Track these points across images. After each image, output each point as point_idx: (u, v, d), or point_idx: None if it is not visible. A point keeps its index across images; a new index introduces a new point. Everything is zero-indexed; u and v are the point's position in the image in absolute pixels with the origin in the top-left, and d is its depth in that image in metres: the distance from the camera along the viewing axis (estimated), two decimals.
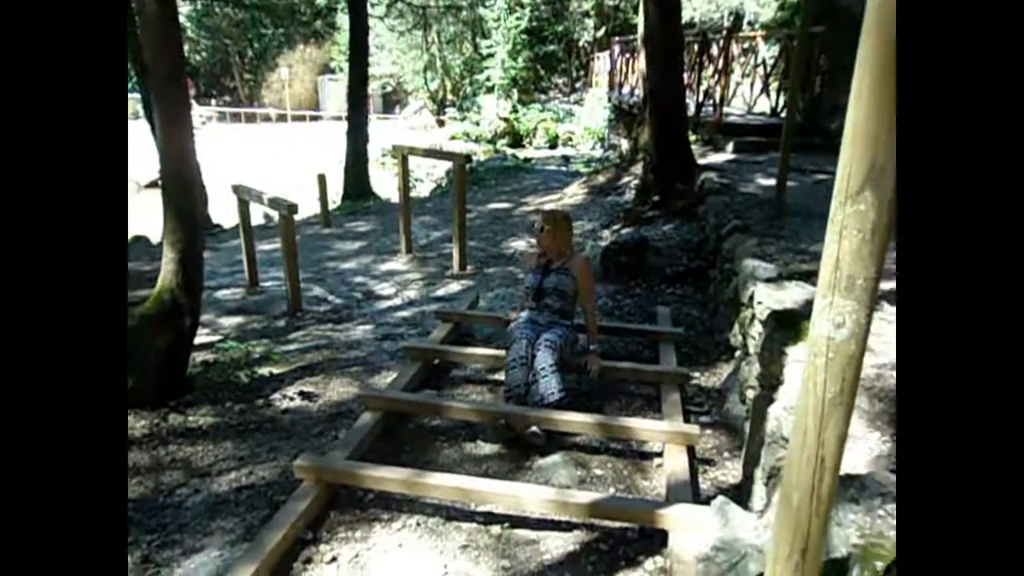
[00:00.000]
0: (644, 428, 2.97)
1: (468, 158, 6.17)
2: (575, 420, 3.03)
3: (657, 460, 3.04)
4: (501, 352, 3.75)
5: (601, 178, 9.38)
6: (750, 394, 2.93)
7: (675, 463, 2.81)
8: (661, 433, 2.95)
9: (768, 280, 3.51)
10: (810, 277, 3.41)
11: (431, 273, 6.33)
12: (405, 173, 6.80)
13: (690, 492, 2.62)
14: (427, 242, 7.45)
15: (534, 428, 3.01)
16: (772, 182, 6.57)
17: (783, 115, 10.36)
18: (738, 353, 3.76)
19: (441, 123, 26.52)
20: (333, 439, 3.24)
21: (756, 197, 5.91)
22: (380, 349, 4.43)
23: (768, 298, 2.92)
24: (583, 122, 21.88)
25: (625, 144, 16.01)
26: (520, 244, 7.20)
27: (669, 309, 4.78)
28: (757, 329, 3.03)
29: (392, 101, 34.20)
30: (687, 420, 3.28)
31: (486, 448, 3.15)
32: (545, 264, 3.82)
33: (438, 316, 4.49)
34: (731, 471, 2.96)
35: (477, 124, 24.03)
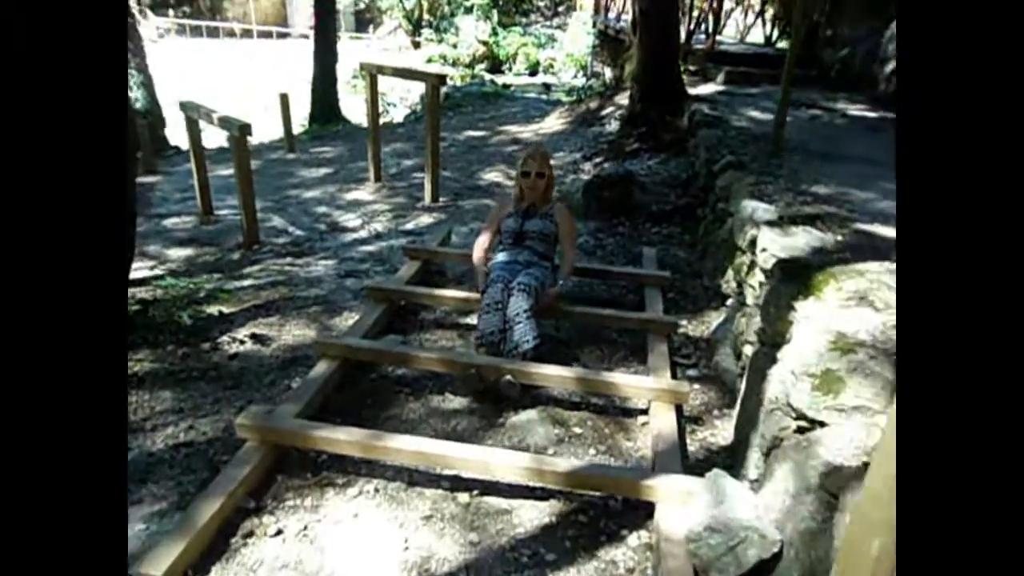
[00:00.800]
0: (629, 384, 2.71)
1: (442, 79, 5.63)
2: (553, 373, 2.74)
3: (642, 418, 2.79)
4: (474, 294, 3.42)
5: (584, 107, 8.86)
6: (748, 350, 2.66)
7: (662, 423, 2.56)
8: (647, 390, 2.69)
9: (770, 223, 3.20)
10: (815, 221, 3.11)
11: (401, 204, 5.90)
12: (374, 95, 6.23)
13: (679, 457, 2.38)
14: (398, 171, 6.97)
15: (508, 377, 2.72)
16: (767, 116, 6.19)
17: (778, 45, 9.86)
18: (731, 301, 3.49)
19: (417, 44, 25.15)
20: (286, 390, 2.92)
21: (750, 132, 5.53)
22: (342, 287, 4.06)
23: (773, 244, 2.61)
24: (565, 48, 20.86)
25: (609, 72, 15.30)
26: (497, 176, 6.76)
27: (655, 250, 4.47)
28: (758, 278, 2.74)
29: (365, 20, 32.32)
30: (674, 375, 3.03)
31: (455, 402, 2.87)
32: (526, 209, 3.47)
33: (406, 252, 4.11)
34: (721, 431, 2.73)
35: (455, 47, 22.82)
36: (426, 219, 5.49)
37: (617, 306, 3.84)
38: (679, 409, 2.74)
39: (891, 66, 7.60)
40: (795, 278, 2.35)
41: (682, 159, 5.94)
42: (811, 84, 8.12)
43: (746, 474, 2.28)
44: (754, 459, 2.26)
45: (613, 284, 4.03)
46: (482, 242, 3.53)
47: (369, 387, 2.95)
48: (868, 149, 5.00)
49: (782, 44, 9.86)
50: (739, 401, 2.64)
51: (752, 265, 2.95)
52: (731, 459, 2.51)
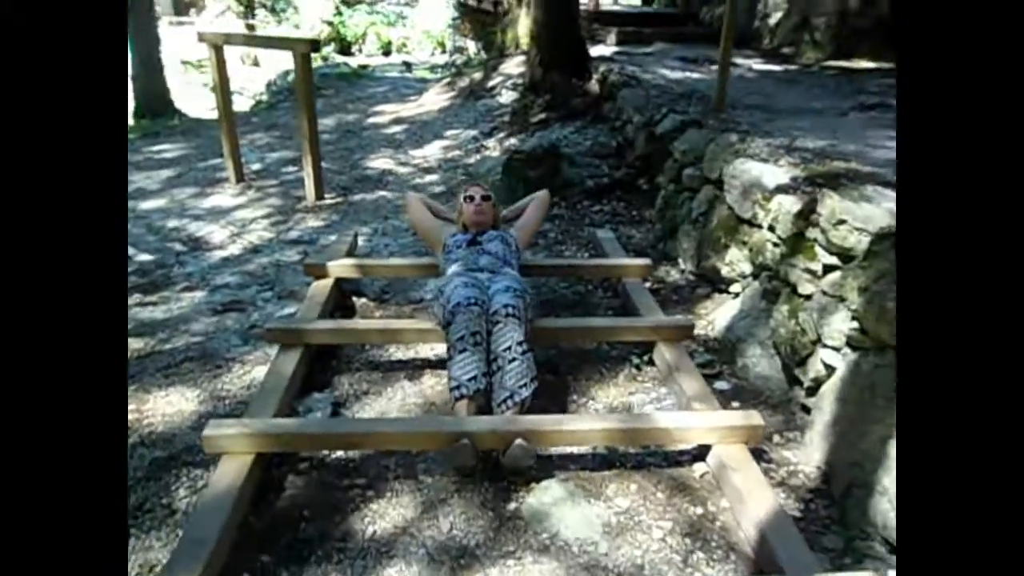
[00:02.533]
0: (687, 427, 1.95)
1: (314, 44, 4.50)
2: (584, 428, 1.93)
3: (699, 467, 2.05)
4: (424, 325, 2.49)
5: (465, 80, 7.96)
6: (828, 356, 2.00)
7: (741, 475, 1.84)
8: (709, 431, 1.95)
9: (780, 189, 2.57)
10: (838, 179, 2.52)
11: (276, 207, 4.72)
12: (223, 74, 4.93)
13: (796, 532, 1.67)
14: (263, 167, 5.70)
15: (520, 442, 1.85)
16: (680, 74, 5.71)
17: (654, 5, 9.57)
18: (738, 289, 2.85)
19: (251, 28, 22.68)
20: (165, 522, 1.85)
21: (672, 90, 4.98)
22: (223, 328, 2.95)
23: (851, 215, 1.95)
24: (419, 25, 19.75)
25: (472, 46, 14.49)
26: (386, 163, 5.73)
27: (612, 233, 3.76)
28: (824, 261, 2.08)
29: (183, 3, 28.79)
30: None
31: (437, 491, 1.95)
32: (476, 234, 2.75)
33: (307, 270, 3.06)
34: (798, 467, 2.07)
35: (297, 27, 20.86)
36: (313, 222, 4.39)
37: (591, 309, 3.09)
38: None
39: (774, 19, 7.50)
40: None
41: (602, 125, 5.28)
42: (695, 40, 7.86)
43: (878, 534, 1.62)
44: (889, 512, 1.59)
45: (586, 281, 3.28)
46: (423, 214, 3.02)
47: (303, 492, 1.95)
48: (801, 100, 4.63)
49: (656, 4, 9.60)
50: (823, 425, 1.97)
51: (783, 242, 2.30)
52: (837, 511, 1.85)
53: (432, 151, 5.97)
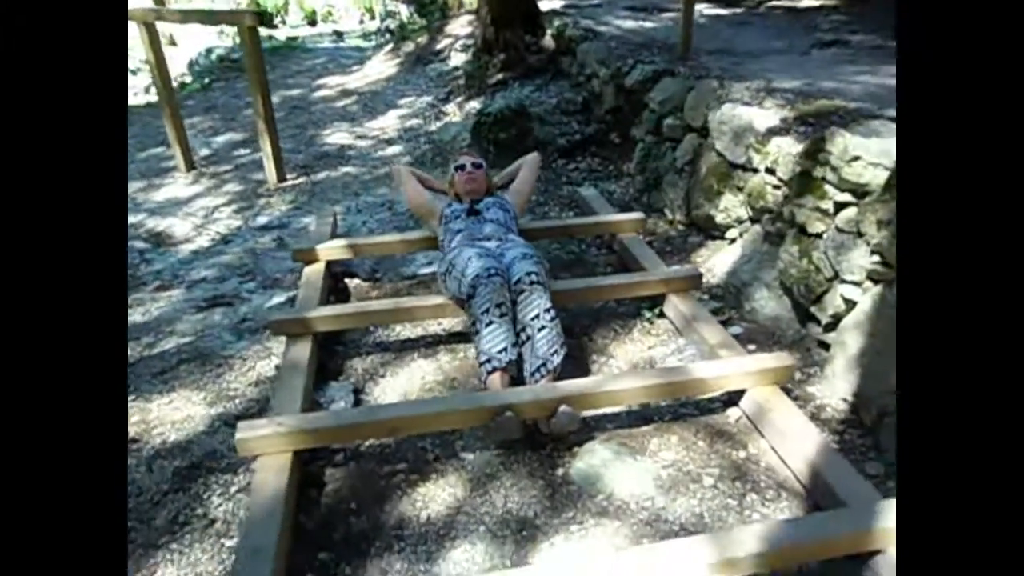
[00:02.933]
0: (722, 375, 1.97)
1: (263, 16, 4.22)
2: (627, 387, 1.91)
3: (732, 412, 2.08)
4: (435, 300, 2.43)
5: (410, 45, 7.68)
6: (848, 291, 2.04)
7: (780, 416, 1.88)
8: (745, 375, 1.98)
9: (773, 131, 2.59)
10: (830, 118, 2.55)
11: (237, 193, 4.49)
12: (158, 54, 4.59)
13: (847, 463, 1.72)
14: (211, 152, 5.39)
15: (565, 408, 1.84)
16: (634, 24, 5.65)
17: None
18: (736, 234, 2.87)
19: (161, 2, 21.22)
20: (203, 522, 1.76)
21: (632, 41, 4.92)
22: (212, 324, 2.80)
23: (865, 150, 1.97)
24: None
25: (405, 10, 13.99)
26: (343, 137, 5.50)
27: (594, 189, 3.73)
28: (836, 199, 2.11)
29: None
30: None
31: (481, 465, 1.93)
32: (472, 202, 2.69)
33: (296, 256, 2.92)
34: (825, 401, 2.13)
35: (213, 1, 19.63)
36: (280, 205, 4.19)
37: (590, 268, 3.08)
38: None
39: None
40: None
41: (564, 81, 5.19)
42: None
43: None
44: None
45: (580, 240, 3.25)
46: (416, 186, 2.91)
47: (346, 484, 1.89)
48: (759, 42, 4.65)
49: None
50: (847, 358, 2.03)
51: (786, 184, 2.32)
52: (872, 439, 1.92)
53: (389, 121, 5.77)
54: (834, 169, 2.07)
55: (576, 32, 5.22)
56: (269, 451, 1.76)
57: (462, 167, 2.75)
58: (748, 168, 2.69)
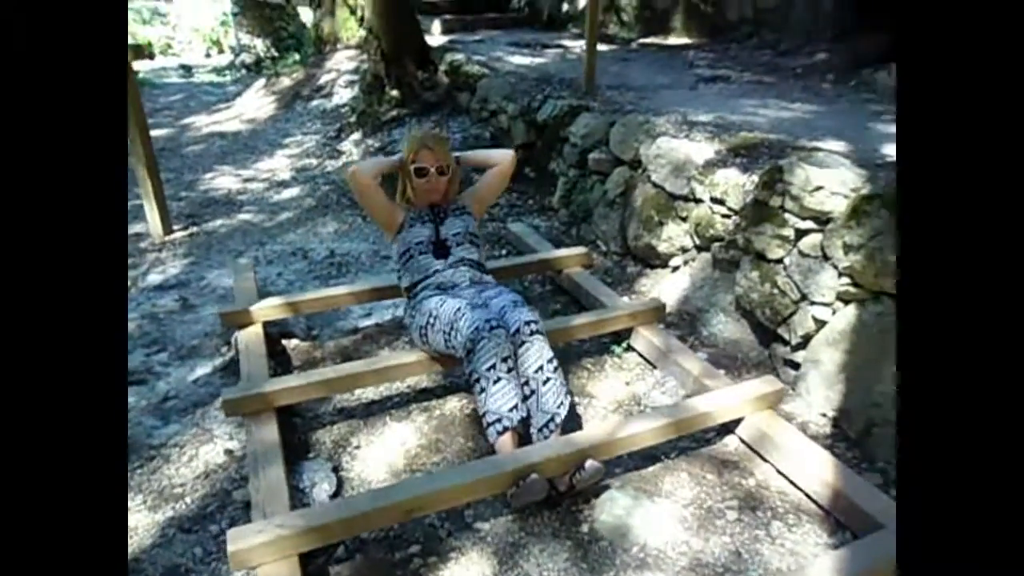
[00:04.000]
0: (722, 406, 1.99)
1: (138, 49, 3.77)
2: (641, 430, 1.87)
3: (731, 441, 2.12)
4: (409, 357, 2.25)
5: (285, 81, 7.28)
6: (818, 311, 2.16)
7: (785, 439, 1.93)
8: (744, 404, 2.02)
9: (712, 164, 2.73)
10: (758, 148, 2.74)
11: None
12: None
13: (862, 480, 1.80)
14: None
15: (592, 462, 1.76)
16: (523, 60, 5.78)
17: None
18: (679, 262, 2.97)
19: None
20: None
21: (528, 76, 5.03)
22: (128, 410, 2.40)
23: (827, 181, 2.12)
24: (184, 22, 17.66)
25: (260, 44, 13.36)
26: (228, 181, 5.05)
27: (523, 225, 3.71)
28: (796, 226, 2.23)
29: None
30: None
31: (503, 536, 1.78)
32: (432, 209, 2.43)
33: (227, 321, 2.59)
34: (802, 418, 2.23)
35: None
36: (174, 261, 3.73)
37: (544, 305, 3.03)
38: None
39: (583, 2, 7.91)
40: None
41: (462, 117, 5.16)
42: (516, 26, 8.04)
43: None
44: None
45: (529, 279, 3.20)
46: (371, 165, 2.51)
47: (350, 568, 1.66)
48: (646, 77, 4.94)
49: None
50: (823, 375, 2.14)
51: (736, 214, 2.44)
52: (860, 452, 2.03)
53: (278, 162, 5.39)
54: (795, 199, 2.20)
55: (473, 68, 5.23)
56: (270, 559, 1.50)
57: (424, 172, 2.35)
58: (691, 199, 2.80)
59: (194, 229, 4.16)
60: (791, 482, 1.92)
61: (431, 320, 2.10)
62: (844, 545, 1.63)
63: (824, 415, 2.17)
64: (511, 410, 1.86)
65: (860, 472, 1.97)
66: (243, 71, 11.84)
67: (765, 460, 2.01)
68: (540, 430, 1.90)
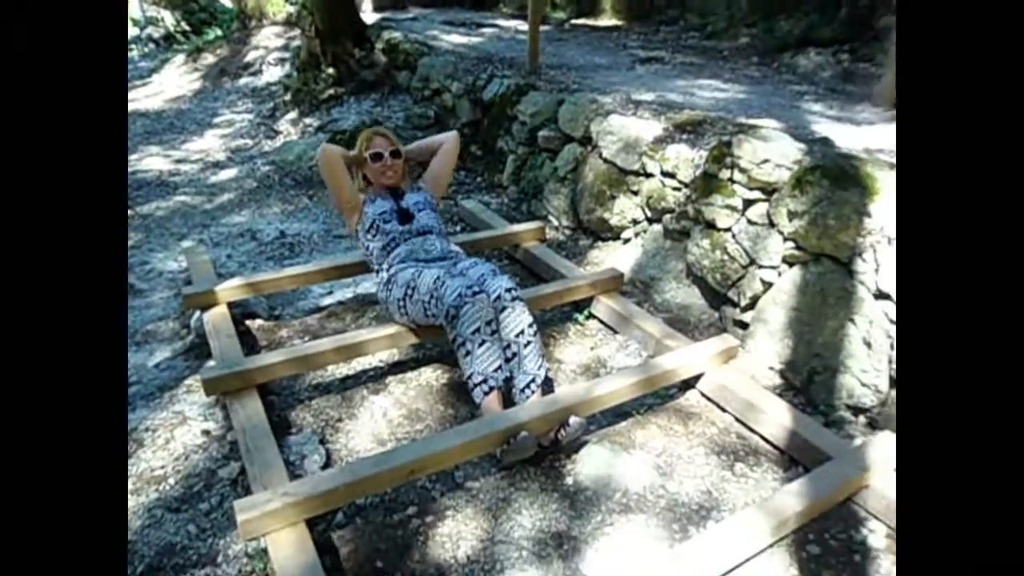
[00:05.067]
0: (684, 364, 2.17)
1: None
2: (614, 387, 2.02)
3: (692, 395, 2.30)
4: (388, 330, 2.30)
5: (210, 56, 6.94)
6: (766, 274, 2.37)
7: (744, 390, 2.13)
8: (704, 360, 2.20)
9: (661, 140, 2.90)
10: (701, 124, 2.93)
11: None
12: None
13: (812, 420, 2.02)
14: None
15: (575, 417, 1.89)
16: (459, 39, 5.79)
17: None
18: (631, 234, 3.13)
19: None
20: None
21: (468, 55, 5.06)
22: None
23: (769, 153, 2.31)
24: None
25: (170, 17, 12.62)
26: (159, 162, 4.83)
27: (474, 201, 3.78)
28: (744, 196, 2.43)
29: None
30: None
31: (488, 491, 1.89)
32: (391, 191, 2.55)
33: (189, 303, 2.54)
34: (752, 372, 2.44)
35: None
36: None
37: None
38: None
39: None
40: (846, 182, 2.11)
41: (402, 96, 5.14)
42: (448, 5, 7.99)
43: (865, 405, 2.06)
44: (868, 386, 2.04)
45: (489, 254, 3.27)
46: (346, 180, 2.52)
47: (360, 543, 1.72)
48: (585, 57, 5.08)
49: None
50: (769, 332, 2.36)
51: (686, 186, 2.62)
52: (804, 397, 2.26)
53: (210, 143, 5.19)
54: (743, 171, 2.39)
55: (411, 47, 5.20)
56: (278, 526, 1.54)
57: (379, 156, 2.50)
58: (642, 174, 2.96)
59: (129, 213, 3.97)
60: (749, 428, 2.12)
61: (409, 292, 2.16)
62: (800, 477, 1.83)
63: (771, 368, 2.39)
64: (496, 371, 1.96)
65: (807, 414, 2.20)
66: (151, 45, 11.14)
67: (724, 410, 2.20)
68: (522, 390, 2.01)
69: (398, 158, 2.55)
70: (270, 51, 6.46)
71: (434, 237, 2.39)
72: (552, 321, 2.79)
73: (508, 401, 2.03)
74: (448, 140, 2.75)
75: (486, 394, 1.95)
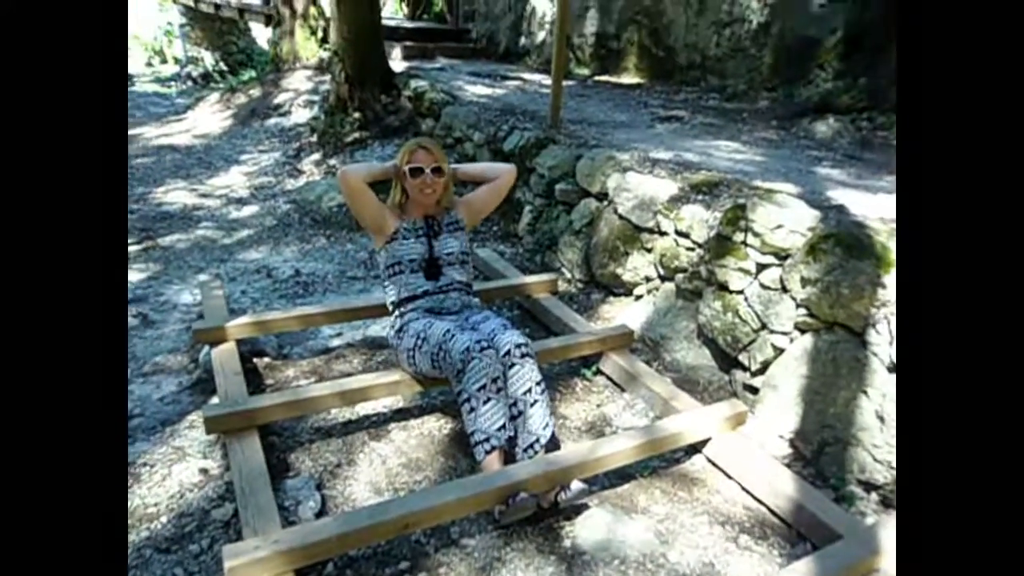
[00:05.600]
0: (690, 428, 2.13)
1: None
2: (616, 450, 1.97)
3: (697, 460, 2.24)
4: (391, 377, 2.28)
5: (242, 97, 7.19)
6: (777, 340, 2.34)
7: (749, 459, 2.08)
8: (710, 425, 2.16)
9: (677, 199, 2.92)
10: (718, 186, 2.95)
11: None
12: None
13: (821, 495, 1.95)
14: None
15: (578, 483, 1.85)
16: (484, 90, 5.95)
17: (425, 18, 9.70)
18: (643, 291, 3.13)
19: None
20: None
21: (491, 107, 5.19)
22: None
23: (781, 219, 2.31)
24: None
25: (209, 57, 13.13)
26: (183, 196, 4.94)
27: (488, 250, 3.81)
28: (756, 260, 2.42)
29: None
30: None
31: (483, 550, 1.84)
32: (427, 222, 2.42)
33: (199, 338, 2.55)
34: (763, 437, 2.39)
35: None
36: (129, 276, 3.63)
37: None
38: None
39: (539, 38, 8.19)
40: (860, 251, 2.10)
41: None
42: (475, 56, 8.24)
43: (873, 481, 1.99)
44: (881, 461, 1.98)
45: (500, 304, 3.28)
46: (362, 170, 2.40)
47: None
48: (606, 113, 5.18)
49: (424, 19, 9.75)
50: (780, 399, 2.32)
51: (720, 247, 2.61)
52: (814, 469, 2.20)
53: (234, 179, 5.32)
54: (757, 235, 2.39)
55: (437, 95, 5.34)
56: (266, 575, 1.50)
57: (419, 171, 2.29)
58: (656, 231, 2.97)
59: (149, 244, 4.05)
60: (755, 498, 2.06)
61: (419, 343, 2.15)
62: (807, 555, 1.77)
63: (781, 436, 2.33)
64: (499, 430, 1.93)
65: (816, 487, 2.13)
66: (189, 83, 11.58)
67: (730, 477, 2.14)
68: (525, 450, 1.97)
69: (440, 175, 2.34)
70: (300, 94, 6.68)
71: (456, 294, 2.35)
72: (559, 375, 2.76)
73: (510, 460, 1.99)
74: (503, 175, 2.57)
75: (487, 453, 1.92)
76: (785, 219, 2.32)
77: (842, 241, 2.14)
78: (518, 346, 2.04)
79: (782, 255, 2.34)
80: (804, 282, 2.22)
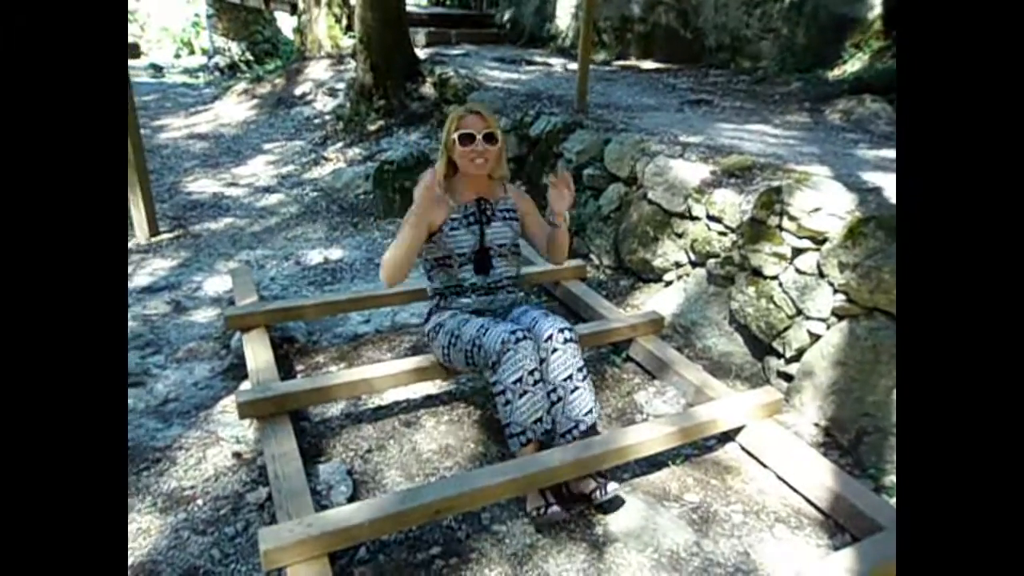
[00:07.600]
0: (725, 416, 2.09)
1: (137, 48, 3.69)
2: (651, 436, 1.94)
3: (730, 449, 2.21)
4: (423, 363, 2.28)
5: (267, 86, 7.23)
6: (813, 326, 2.28)
7: (785, 447, 2.04)
8: (744, 413, 2.12)
9: (709, 184, 2.86)
10: (751, 169, 2.88)
11: None
12: None
13: (860, 485, 1.91)
14: None
15: (614, 485, 1.85)
16: (509, 75, 5.89)
17: (448, 4, 9.64)
18: (673, 277, 3.08)
19: None
20: None
21: (517, 92, 5.14)
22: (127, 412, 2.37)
23: (825, 203, 2.25)
24: (153, 22, 17.31)
25: (236, 47, 13.21)
26: (210, 184, 5.00)
27: None
28: (792, 244, 2.36)
29: None
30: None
31: (514, 536, 1.83)
32: (479, 206, 2.20)
33: (231, 324, 2.58)
34: (797, 428, 2.34)
35: None
36: (162, 263, 3.68)
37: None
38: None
39: (563, 22, 8.08)
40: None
41: None
42: (498, 42, 8.17)
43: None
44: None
45: (528, 291, 3.25)
46: (400, 259, 2.00)
47: (373, 570, 1.68)
48: (633, 97, 5.10)
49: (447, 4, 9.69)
50: (816, 387, 2.26)
51: (730, 231, 2.56)
52: (852, 459, 2.14)
53: (260, 167, 5.36)
54: (793, 219, 2.32)
55: (461, 82, 5.31)
56: (300, 558, 1.51)
57: (469, 137, 2.03)
58: (688, 216, 2.91)
59: (179, 232, 4.10)
60: (791, 487, 2.01)
61: (452, 340, 2.10)
62: (846, 547, 1.72)
63: (817, 424, 2.28)
64: (536, 422, 1.90)
65: (854, 477, 2.08)
66: (216, 73, 11.67)
67: (765, 466, 2.10)
68: (563, 435, 1.94)
69: (493, 143, 2.08)
70: (324, 83, 6.69)
71: (504, 294, 2.22)
72: (588, 362, 2.72)
73: (546, 448, 1.97)
74: (560, 258, 2.35)
75: (523, 445, 1.89)
76: (823, 202, 2.25)
77: (884, 224, 2.07)
78: (561, 330, 1.98)
79: (819, 239, 2.27)
80: (843, 267, 2.15)
